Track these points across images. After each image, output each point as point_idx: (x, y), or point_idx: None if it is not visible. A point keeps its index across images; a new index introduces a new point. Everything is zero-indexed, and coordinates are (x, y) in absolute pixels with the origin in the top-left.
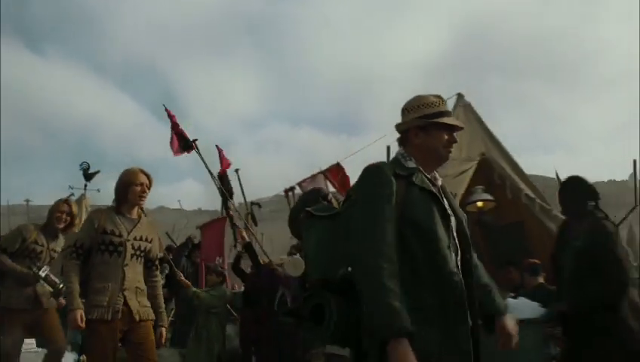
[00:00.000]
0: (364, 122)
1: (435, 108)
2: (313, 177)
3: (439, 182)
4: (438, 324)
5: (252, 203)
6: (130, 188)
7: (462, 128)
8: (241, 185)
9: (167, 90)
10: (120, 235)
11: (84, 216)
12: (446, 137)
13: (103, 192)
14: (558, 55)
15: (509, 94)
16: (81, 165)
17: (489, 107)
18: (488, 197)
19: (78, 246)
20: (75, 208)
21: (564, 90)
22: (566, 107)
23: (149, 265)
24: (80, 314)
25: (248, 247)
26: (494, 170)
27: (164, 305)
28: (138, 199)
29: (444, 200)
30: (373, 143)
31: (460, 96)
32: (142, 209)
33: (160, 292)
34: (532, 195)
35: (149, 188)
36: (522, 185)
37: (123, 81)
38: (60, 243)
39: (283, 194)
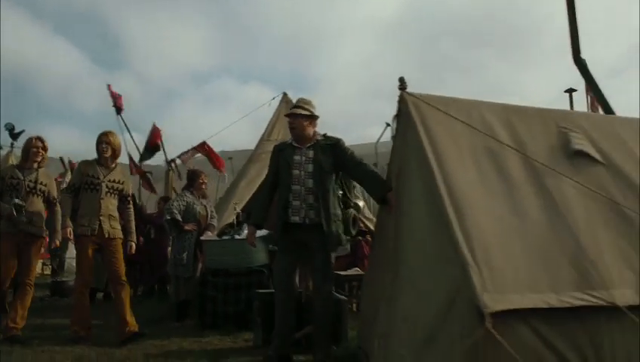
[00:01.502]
0: (312, 80)
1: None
2: (193, 151)
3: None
4: (281, 217)
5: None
6: (100, 145)
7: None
8: (163, 148)
9: (108, 37)
10: (97, 178)
11: None
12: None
13: None
14: (509, 23)
15: (459, 60)
16: (6, 126)
17: (438, 72)
18: None
19: (71, 186)
20: (47, 143)
21: (511, 58)
22: (512, 76)
23: (122, 199)
24: (69, 230)
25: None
26: None
27: (134, 228)
28: (103, 153)
29: (308, 155)
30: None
31: (284, 94)
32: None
33: (131, 218)
34: None
35: (112, 145)
36: None
37: (60, 27)
38: (37, 176)
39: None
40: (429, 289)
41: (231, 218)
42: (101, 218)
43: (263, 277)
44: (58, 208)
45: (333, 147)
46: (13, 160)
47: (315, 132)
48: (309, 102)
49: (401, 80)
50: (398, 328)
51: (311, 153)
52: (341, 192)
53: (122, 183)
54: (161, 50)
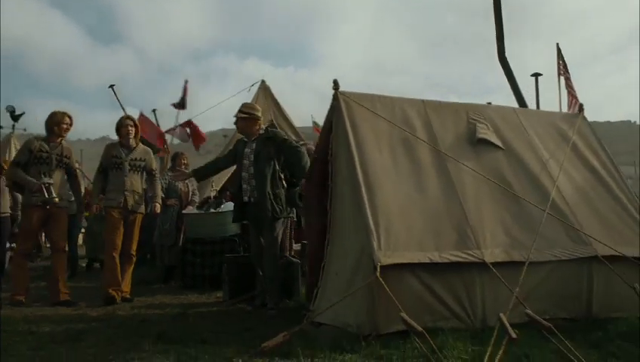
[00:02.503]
0: (313, 55)
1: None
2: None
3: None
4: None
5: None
6: (124, 128)
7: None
8: (157, 123)
9: (104, 10)
10: (120, 158)
11: (13, 152)
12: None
13: (32, 131)
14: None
15: (463, 35)
16: (7, 108)
17: (440, 48)
18: None
19: (100, 165)
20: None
21: (512, 33)
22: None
23: (148, 175)
24: (96, 206)
25: None
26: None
27: (159, 193)
28: (128, 135)
29: (252, 147)
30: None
31: (263, 82)
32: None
33: (157, 186)
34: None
35: (135, 127)
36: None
37: (56, 0)
38: (62, 149)
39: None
40: (349, 249)
41: (208, 194)
42: (126, 193)
43: (234, 245)
44: (79, 179)
45: (271, 139)
46: (15, 141)
47: (259, 128)
48: (251, 107)
49: (335, 82)
50: (331, 280)
51: (254, 145)
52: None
53: (144, 160)
54: (159, 23)
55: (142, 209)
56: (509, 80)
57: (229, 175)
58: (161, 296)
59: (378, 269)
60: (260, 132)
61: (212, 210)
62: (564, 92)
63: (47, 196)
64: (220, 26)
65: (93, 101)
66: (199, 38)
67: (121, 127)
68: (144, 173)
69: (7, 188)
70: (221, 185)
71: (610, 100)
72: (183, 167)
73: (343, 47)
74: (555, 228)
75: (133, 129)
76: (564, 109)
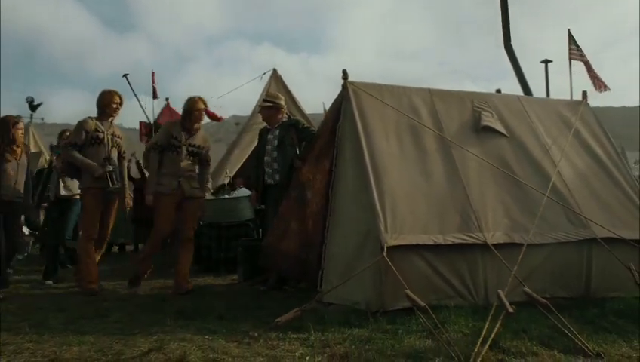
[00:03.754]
0: (326, 40)
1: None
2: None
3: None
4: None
5: None
6: (194, 112)
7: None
8: (133, 91)
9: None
10: (179, 140)
11: (32, 142)
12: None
13: (47, 120)
14: None
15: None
16: (26, 99)
17: (457, 32)
18: None
19: (158, 144)
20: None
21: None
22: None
23: (203, 163)
24: (151, 198)
25: None
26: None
27: (209, 184)
28: (196, 120)
29: (276, 134)
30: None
31: (274, 70)
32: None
33: (206, 178)
34: None
35: (201, 112)
36: None
37: None
38: (114, 129)
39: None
40: (353, 231)
41: (222, 181)
42: (180, 179)
43: (248, 230)
44: (126, 162)
45: (293, 126)
46: (34, 131)
47: (282, 116)
48: (275, 96)
49: (344, 72)
50: (335, 262)
51: (277, 132)
52: None
53: (200, 148)
54: (173, 11)
55: (199, 193)
56: (514, 68)
57: (242, 161)
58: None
59: (385, 249)
60: (282, 120)
61: (227, 196)
62: (575, 77)
63: (110, 185)
64: (232, 12)
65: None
66: (212, 25)
67: (194, 110)
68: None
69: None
70: (235, 171)
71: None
72: None
73: (356, 32)
74: (556, 212)
75: (201, 115)
76: (577, 96)
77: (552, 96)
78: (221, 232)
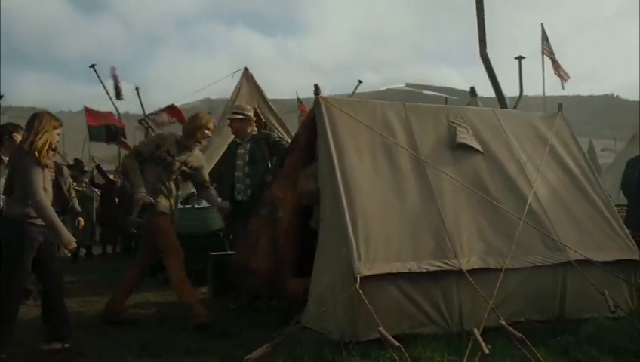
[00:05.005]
0: (302, 22)
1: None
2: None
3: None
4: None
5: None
6: (202, 130)
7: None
8: (141, 103)
9: None
10: (170, 155)
11: None
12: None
13: (14, 103)
14: None
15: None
16: None
17: (438, 13)
18: None
19: (141, 155)
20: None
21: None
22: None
23: (201, 187)
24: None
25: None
26: (261, 119)
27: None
28: (201, 140)
29: (247, 148)
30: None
31: (246, 69)
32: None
33: (215, 201)
34: (282, 135)
35: (210, 132)
36: (278, 128)
37: None
38: (188, 158)
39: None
40: (331, 255)
41: (192, 189)
42: (171, 199)
43: (218, 239)
44: (212, 191)
45: (264, 140)
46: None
47: (252, 128)
48: (243, 107)
49: (316, 87)
50: (319, 285)
51: (248, 146)
52: None
53: (196, 169)
54: None
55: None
56: (490, 77)
57: (212, 165)
58: (145, 292)
59: (358, 281)
60: (253, 133)
61: (196, 206)
62: (547, 72)
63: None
64: None
65: (75, 72)
66: (185, 6)
67: (203, 128)
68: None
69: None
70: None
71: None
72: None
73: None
74: (531, 234)
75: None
76: (548, 92)
77: (525, 89)
78: (190, 242)
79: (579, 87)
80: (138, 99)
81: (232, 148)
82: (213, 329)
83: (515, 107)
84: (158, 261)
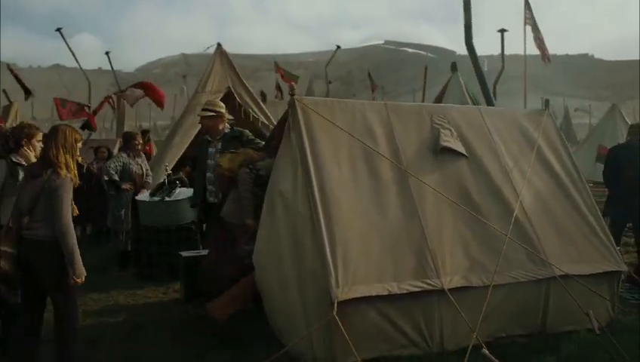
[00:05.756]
0: None
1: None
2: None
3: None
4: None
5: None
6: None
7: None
8: (112, 67)
9: None
10: None
11: None
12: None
13: None
14: None
15: None
16: None
17: None
18: (230, 116)
19: None
20: None
21: None
22: None
23: None
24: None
25: None
26: (235, 99)
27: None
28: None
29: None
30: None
31: (219, 45)
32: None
33: None
34: (257, 115)
35: None
36: (253, 108)
37: None
38: None
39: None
40: (302, 272)
41: (162, 178)
42: None
43: (191, 233)
44: None
45: (236, 138)
46: None
47: (224, 126)
48: (215, 103)
49: (292, 88)
50: (295, 305)
51: (219, 145)
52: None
53: None
54: None
55: None
56: (475, 67)
57: (182, 152)
58: (116, 292)
59: (335, 307)
60: (225, 130)
61: (167, 198)
62: (529, 45)
63: None
64: None
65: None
66: None
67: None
68: None
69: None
70: (175, 160)
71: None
72: (138, 146)
73: None
74: (516, 248)
75: None
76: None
77: (507, 63)
78: (161, 236)
79: (555, 46)
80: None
81: (203, 146)
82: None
83: (496, 81)
84: (124, 254)
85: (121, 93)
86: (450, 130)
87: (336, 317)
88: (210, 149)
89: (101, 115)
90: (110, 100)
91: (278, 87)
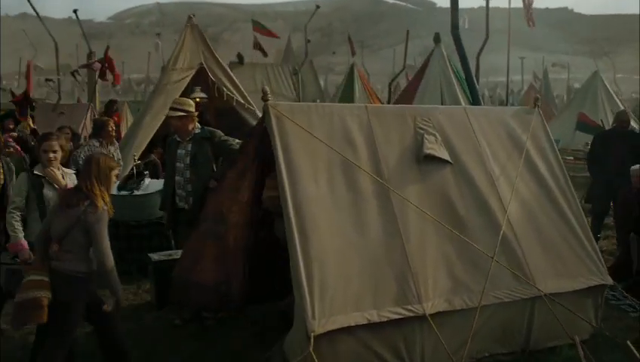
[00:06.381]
0: None
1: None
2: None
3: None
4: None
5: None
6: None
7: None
8: (81, 27)
9: None
10: None
11: None
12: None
13: None
14: None
15: None
16: None
17: None
18: (203, 95)
19: None
20: None
21: None
22: None
23: None
24: None
25: None
26: (208, 76)
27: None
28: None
29: (188, 149)
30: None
31: (189, 17)
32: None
33: None
34: (233, 94)
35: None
36: (228, 85)
37: None
38: None
39: None
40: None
41: (129, 168)
42: None
43: (162, 228)
44: None
45: (207, 139)
46: None
47: (194, 126)
48: (183, 102)
49: (264, 91)
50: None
51: (189, 147)
52: None
53: None
54: None
55: None
56: (459, 54)
57: (152, 134)
58: None
59: (312, 342)
60: (195, 130)
61: (136, 191)
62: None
63: None
64: None
65: None
66: None
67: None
68: None
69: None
70: (145, 144)
71: None
72: (112, 133)
73: None
74: (502, 267)
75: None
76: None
77: (492, 31)
78: (130, 232)
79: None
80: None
81: (172, 147)
82: None
83: (480, 52)
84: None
85: (85, 66)
86: (435, 135)
87: (313, 354)
88: (179, 151)
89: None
90: (76, 74)
91: (258, 47)
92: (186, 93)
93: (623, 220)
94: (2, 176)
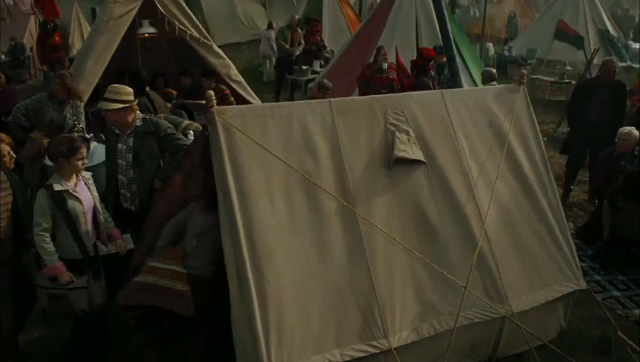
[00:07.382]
0: None
1: None
2: None
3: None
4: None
5: None
6: None
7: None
8: None
9: None
10: None
11: None
12: None
13: None
14: None
15: None
16: None
17: None
18: (152, 29)
19: None
20: None
21: None
22: None
23: None
24: None
25: None
26: (157, 8)
27: None
28: None
29: (129, 144)
30: None
31: None
32: None
33: None
34: (184, 27)
35: None
36: (180, 17)
37: None
38: None
39: None
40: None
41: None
42: None
43: (106, 205)
44: None
45: (152, 133)
46: None
47: (135, 117)
48: (119, 91)
49: (208, 96)
50: None
51: (131, 141)
52: None
53: None
54: None
55: None
56: (438, 18)
57: (96, 82)
58: None
59: None
60: (136, 123)
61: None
62: None
63: None
64: None
65: None
66: None
67: None
68: None
69: None
70: (88, 95)
71: None
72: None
73: None
74: (473, 285)
75: None
76: None
77: None
78: None
79: None
80: None
81: (111, 140)
82: None
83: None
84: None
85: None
86: (407, 132)
87: None
88: (119, 145)
89: None
90: None
91: None
92: (133, 28)
93: (600, 183)
94: (12, 191)
